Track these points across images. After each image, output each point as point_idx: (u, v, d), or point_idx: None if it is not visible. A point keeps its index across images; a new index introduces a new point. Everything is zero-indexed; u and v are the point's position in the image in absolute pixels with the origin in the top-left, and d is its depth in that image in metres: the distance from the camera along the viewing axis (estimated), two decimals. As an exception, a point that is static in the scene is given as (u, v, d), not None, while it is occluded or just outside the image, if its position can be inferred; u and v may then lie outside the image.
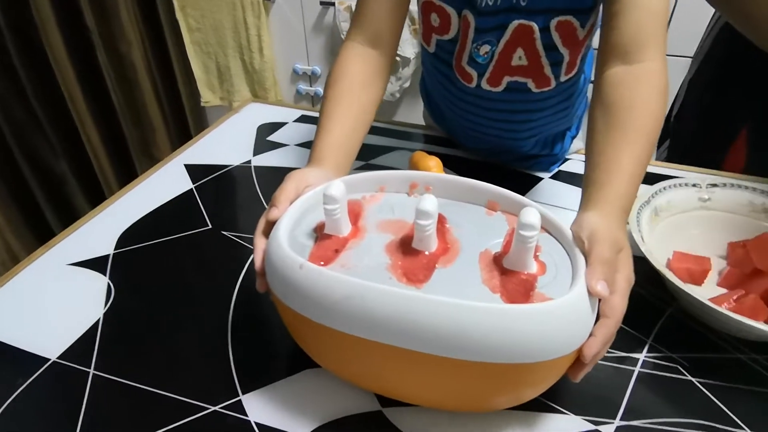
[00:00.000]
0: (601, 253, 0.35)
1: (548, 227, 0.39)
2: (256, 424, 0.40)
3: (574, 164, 0.71)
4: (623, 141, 0.42)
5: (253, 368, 0.44)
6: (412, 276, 0.35)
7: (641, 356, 0.46)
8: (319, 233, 0.39)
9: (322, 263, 0.36)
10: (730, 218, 0.55)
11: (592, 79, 0.52)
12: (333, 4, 1.47)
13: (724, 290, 0.50)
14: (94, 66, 1.46)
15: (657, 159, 0.95)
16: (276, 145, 0.76)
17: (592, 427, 0.40)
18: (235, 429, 0.40)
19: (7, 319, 0.49)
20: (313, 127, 0.80)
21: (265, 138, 0.78)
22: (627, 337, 0.47)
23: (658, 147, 0.95)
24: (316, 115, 0.83)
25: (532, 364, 0.33)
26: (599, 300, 0.35)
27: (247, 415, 0.41)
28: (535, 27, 0.52)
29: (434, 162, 0.57)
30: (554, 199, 0.65)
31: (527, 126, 0.63)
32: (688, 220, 0.55)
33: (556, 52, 0.55)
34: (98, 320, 0.49)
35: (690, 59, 0.88)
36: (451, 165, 0.69)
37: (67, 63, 1.40)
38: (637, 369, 0.44)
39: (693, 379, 0.44)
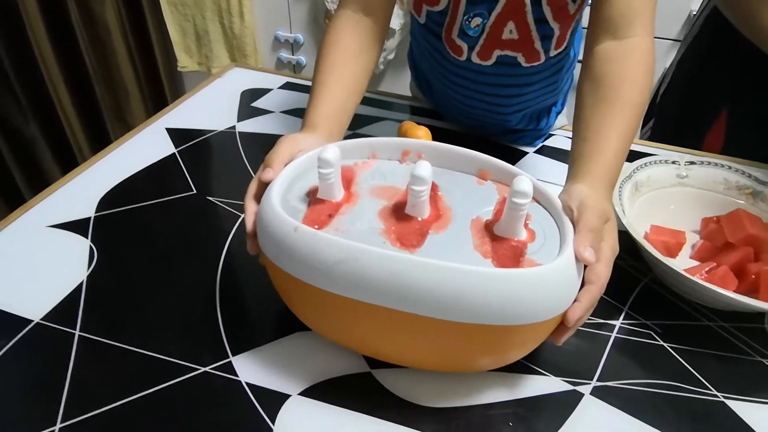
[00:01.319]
0: (589, 221, 0.36)
1: (537, 196, 0.40)
2: (247, 384, 0.40)
3: (559, 139, 0.72)
4: (611, 116, 0.43)
5: (242, 330, 0.45)
6: (405, 241, 0.36)
7: (617, 323, 0.48)
8: (312, 198, 0.39)
9: (316, 227, 0.37)
10: (706, 195, 0.57)
11: (581, 57, 0.53)
12: (317, -32, 1.43)
13: (696, 263, 0.53)
14: (66, 25, 1.39)
15: (641, 138, 0.97)
16: (261, 112, 0.75)
17: (570, 387, 0.42)
18: (225, 389, 0.40)
19: (-16, 280, 0.48)
20: (298, 94, 0.79)
21: (249, 104, 0.76)
22: (605, 305, 0.49)
23: (642, 127, 0.97)
24: (301, 82, 0.83)
25: (519, 327, 0.34)
26: (584, 267, 0.36)
27: (237, 376, 0.41)
28: (527, 0, 0.52)
29: (423, 132, 0.57)
30: (538, 174, 0.66)
31: (515, 100, 0.64)
32: (666, 196, 0.57)
33: (547, 26, 0.55)
34: (82, 282, 0.48)
35: (671, 42, 0.89)
36: (437, 137, 0.69)
37: (39, 21, 1.32)
38: (614, 335, 0.47)
39: (665, 344, 0.46)
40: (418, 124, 0.64)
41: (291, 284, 0.37)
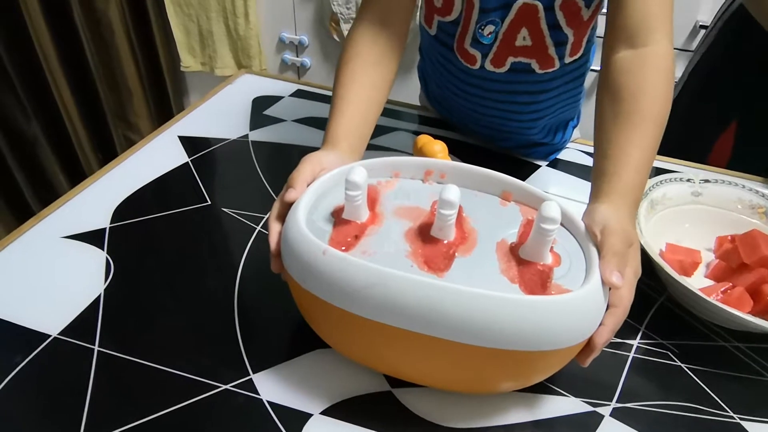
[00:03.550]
0: (613, 245, 0.36)
1: (563, 220, 0.40)
2: (269, 402, 0.40)
3: (571, 153, 0.72)
4: (632, 131, 0.43)
5: (262, 346, 0.45)
6: (433, 264, 0.36)
7: (635, 342, 0.48)
8: (337, 218, 0.39)
9: (343, 249, 0.37)
10: (720, 213, 0.58)
11: (593, 66, 0.53)
12: (324, -29, 1.42)
13: (711, 282, 0.53)
14: (69, 24, 1.38)
15: None
16: (273, 120, 0.74)
17: (590, 408, 0.42)
18: (247, 407, 0.40)
19: (0, 293, 0.48)
20: (310, 102, 0.79)
21: (261, 112, 0.76)
22: (623, 325, 0.49)
23: None
24: (312, 90, 0.82)
25: (547, 352, 0.34)
26: (609, 290, 0.37)
27: (258, 394, 0.41)
28: (540, 6, 0.52)
29: (440, 146, 0.57)
30: (550, 188, 0.66)
31: (531, 108, 0.64)
32: (680, 214, 0.57)
33: (561, 32, 0.55)
34: (99, 296, 0.48)
35: (677, 51, 0.90)
36: (451, 149, 0.69)
37: (41, 19, 1.31)
38: (632, 355, 0.47)
39: (682, 365, 0.46)
40: (433, 135, 0.64)
41: (316, 305, 0.37)
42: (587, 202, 0.43)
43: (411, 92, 0.81)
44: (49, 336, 0.44)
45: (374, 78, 0.51)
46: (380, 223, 0.39)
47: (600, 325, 0.36)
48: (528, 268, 0.36)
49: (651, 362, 0.46)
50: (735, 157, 0.83)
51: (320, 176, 0.42)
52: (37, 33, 1.30)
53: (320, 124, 0.74)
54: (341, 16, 1.49)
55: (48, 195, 1.39)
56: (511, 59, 0.57)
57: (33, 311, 0.46)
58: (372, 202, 0.41)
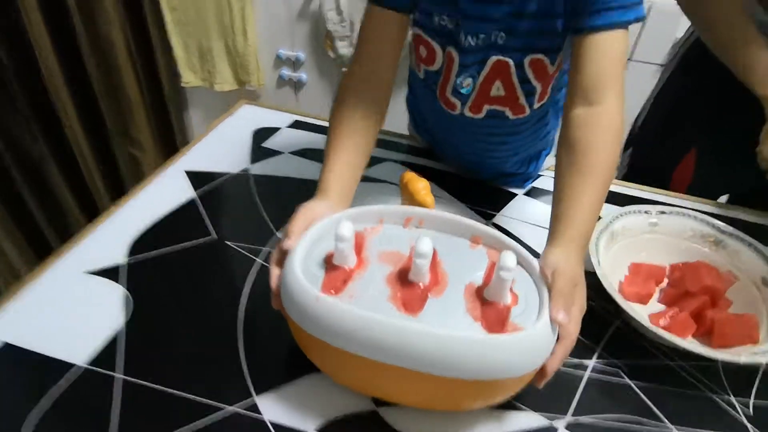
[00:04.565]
0: (561, 288, 0.43)
1: (521, 261, 0.47)
2: (271, 423, 0.47)
3: (546, 180, 0.79)
4: (582, 182, 0.49)
5: (263, 371, 0.51)
6: (409, 306, 0.42)
7: (591, 362, 0.55)
8: (328, 263, 0.46)
9: (333, 292, 0.43)
10: (674, 242, 0.64)
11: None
12: (318, -7, 1.48)
13: (663, 306, 0.60)
14: (73, 44, 1.44)
15: (621, 163, 1.04)
16: (271, 153, 0.81)
17: (548, 422, 0.49)
18: (252, 427, 0.47)
19: (29, 326, 0.54)
20: (306, 133, 0.86)
21: (260, 144, 0.82)
22: (580, 346, 0.56)
23: (624, 152, 1.04)
24: (307, 120, 0.89)
25: (506, 380, 0.41)
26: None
27: (261, 414, 0.48)
28: (511, 63, 0.59)
29: (423, 184, 0.63)
30: (527, 216, 0.72)
31: (505, 147, 0.71)
32: (639, 243, 0.64)
33: (530, 84, 0.61)
34: (119, 327, 0.54)
35: (657, 66, 0.96)
36: (435, 178, 0.76)
37: (47, 40, 1.37)
38: (587, 373, 0.54)
39: (630, 382, 0.53)
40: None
41: (310, 341, 0.43)
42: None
43: (400, 121, 0.87)
44: (74, 365, 0.51)
45: (361, 131, 0.58)
46: (365, 268, 0.46)
47: (551, 354, 0.43)
48: (490, 308, 0.43)
49: (604, 380, 0.53)
50: (694, 182, 0.90)
51: (313, 225, 0.48)
52: (44, 57, 1.35)
53: (315, 155, 0.80)
54: (336, 33, 1.55)
55: (56, 215, 1.45)
56: (486, 107, 0.64)
57: (59, 343, 0.52)
58: (359, 247, 0.48)
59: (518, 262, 0.46)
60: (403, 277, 0.44)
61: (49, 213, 1.44)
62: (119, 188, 1.71)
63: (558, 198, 0.50)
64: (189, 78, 1.78)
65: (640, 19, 0.52)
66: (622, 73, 0.53)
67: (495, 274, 0.42)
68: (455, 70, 0.62)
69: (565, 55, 0.60)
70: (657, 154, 0.96)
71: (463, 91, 0.63)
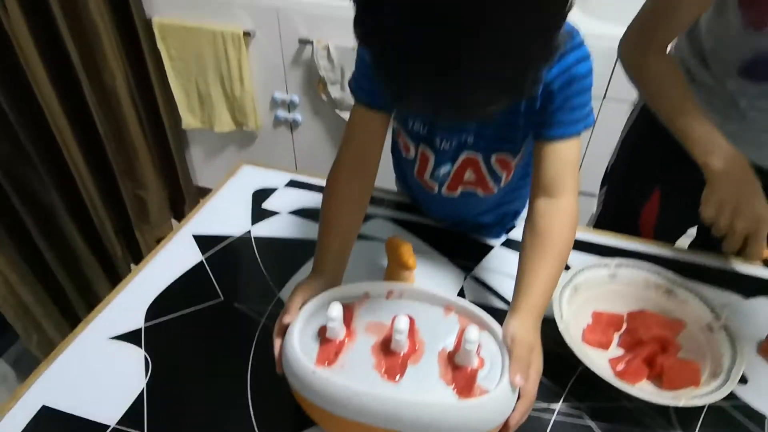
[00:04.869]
0: (518, 354, 0.51)
1: (488, 329, 0.55)
2: (277, 474, 0.54)
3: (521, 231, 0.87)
4: (541, 262, 0.58)
5: (271, 424, 0.59)
6: (391, 373, 0.50)
7: (557, 406, 0.62)
8: (322, 336, 0.54)
9: (326, 363, 0.51)
10: (631, 291, 0.72)
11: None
12: (311, 42, 1.58)
13: (622, 351, 0.67)
14: (80, 99, 1.52)
15: (598, 201, 1.12)
16: (270, 213, 0.89)
17: (518, 464, 0.56)
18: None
19: (63, 390, 0.62)
20: (301, 192, 0.94)
21: (260, 206, 0.90)
22: (548, 391, 0.63)
23: (600, 189, 1.12)
24: (303, 179, 0.97)
25: (474, 435, 0.48)
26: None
27: (269, 466, 0.55)
28: (480, 158, 0.69)
29: (406, 247, 0.71)
30: (504, 267, 0.80)
31: (478, 214, 0.81)
32: (600, 294, 0.72)
33: (496, 173, 0.71)
34: (143, 389, 0.62)
35: (631, 102, 1.03)
36: (418, 231, 0.84)
37: (54, 98, 1.45)
38: (553, 417, 0.61)
39: (591, 423, 0.60)
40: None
41: (308, 404, 0.51)
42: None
43: (390, 177, 0.94)
44: (108, 426, 0.58)
45: (350, 212, 0.66)
46: (354, 339, 0.54)
47: (513, 410, 0.50)
48: (460, 372, 0.51)
49: (569, 422, 0.61)
50: (661, 218, 0.98)
51: (309, 302, 0.56)
52: (50, 109, 1.42)
53: (309, 214, 0.89)
54: (327, 79, 1.64)
55: (69, 263, 1.53)
56: (461, 188, 0.74)
57: (91, 404, 0.60)
58: (348, 318, 0.55)
59: (485, 329, 0.54)
60: (386, 347, 0.52)
61: (64, 262, 1.51)
62: (128, 231, 1.79)
63: (520, 274, 0.59)
64: (189, 121, 1.88)
65: (589, 126, 0.62)
66: (575, 172, 0.62)
67: (462, 343, 0.50)
68: (431, 164, 0.71)
69: (525, 151, 0.69)
70: (626, 194, 1.05)
71: (440, 178, 0.73)
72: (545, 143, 0.62)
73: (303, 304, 0.56)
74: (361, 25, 0.45)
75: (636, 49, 0.78)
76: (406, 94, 0.48)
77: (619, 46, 0.81)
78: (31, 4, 1.32)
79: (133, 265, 1.88)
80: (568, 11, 0.44)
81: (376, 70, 0.50)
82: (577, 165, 0.62)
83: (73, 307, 1.58)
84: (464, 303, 0.56)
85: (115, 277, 1.72)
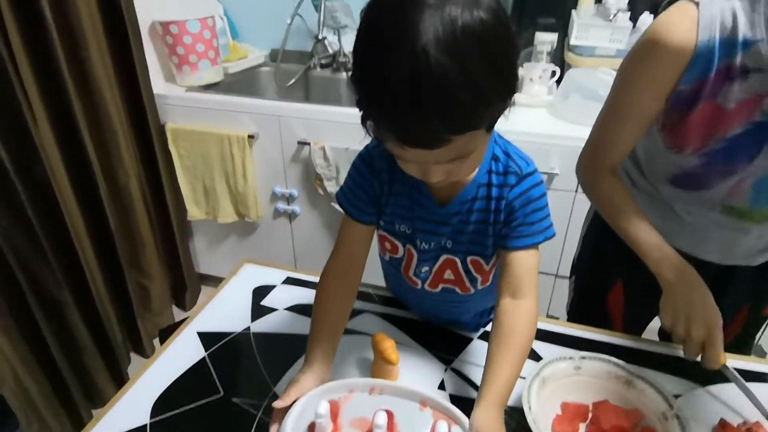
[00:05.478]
0: (484, 442, 0.58)
1: (457, 422, 0.62)
2: None
3: (495, 324, 0.95)
4: (506, 356, 0.66)
5: None
6: (372, 465, 0.57)
7: (530, 495, 0.67)
8: (312, 431, 0.60)
9: (315, 457, 0.58)
10: (595, 382, 0.79)
11: None
12: (309, 143, 1.74)
13: (589, 439, 0.73)
14: (94, 196, 1.65)
15: (569, 289, 1.21)
16: (268, 310, 0.97)
17: None
18: None
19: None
20: (297, 289, 1.03)
21: (259, 303, 0.99)
22: (521, 482, 0.69)
23: (569, 278, 1.21)
24: (299, 276, 1.06)
25: None
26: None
27: None
28: (458, 260, 0.79)
29: (390, 344, 0.79)
30: (480, 359, 0.86)
31: (459, 309, 0.90)
32: (567, 385, 0.79)
33: (472, 275, 0.81)
34: (147, 485, 0.67)
35: None
36: (403, 326, 0.92)
37: (72, 196, 1.58)
38: (526, 506, 0.66)
39: None
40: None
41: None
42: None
43: (378, 273, 1.03)
44: None
45: (338, 310, 0.76)
46: (340, 434, 0.60)
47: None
48: (433, 464, 0.57)
49: None
50: (627, 307, 1.06)
51: (300, 399, 0.63)
52: (68, 209, 1.54)
53: (304, 310, 0.97)
54: (324, 175, 1.79)
55: (72, 353, 1.58)
56: (441, 285, 0.83)
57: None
58: (335, 413, 0.63)
59: (455, 422, 0.62)
60: (368, 441, 0.59)
61: (68, 352, 1.57)
62: (130, 320, 1.85)
63: (486, 365, 0.67)
64: (194, 213, 2.01)
65: (549, 238, 0.73)
66: (536, 276, 0.73)
67: (436, 436, 0.57)
68: (415, 261, 0.82)
69: (497, 257, 0.80)
70: (592, 285, 1.14)
71: (422, 275, 0.83)
72: (509, 252, 0.73)
73: (296, 397, 0.64)
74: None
75: (588, 171, 0.91)
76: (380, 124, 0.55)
77: (576, 169, 0.93)
78: (60, 116, 1.49)
79: (133, 354, 1.92)
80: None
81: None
82: (536, 270, 0.72)
83: (72, 395, 1.61)
84: (437, 398, 0.63)
85: (114, 365, 1.76)
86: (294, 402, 0.63)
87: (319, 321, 0.74)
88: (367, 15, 0.53)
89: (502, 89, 0.53)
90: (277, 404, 0.63)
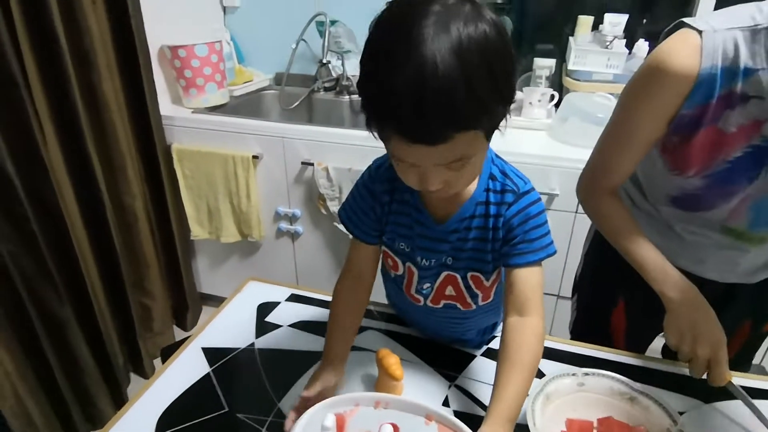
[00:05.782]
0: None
1: (464, 437, 0.62)
2: None
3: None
4: (513, 374, 0.67)
5: None
6: (378, 480, 0.57)
7: None
8: (319, 443, 0.61)
9: (322, 470, 0.58)
10: (599, 399, 0.79)
11: None
12: (312, 164, 1.77)
13: (595, 456, 0.73)
14: (101, 217, 1.67)
15: (571, 308, 1.21)
16: (272, 326, 0.98)
17: None
18: None
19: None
20: (300, 305, 1.04)
21: (263, 319, 1.00)
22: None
23: (572, 297, 1.21)
24: (303, 293, 1.07)
25: None
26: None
27: None
28: (458, 276, 0.80)
29: (394, 359, 0.80)
30: (484, 376, 0.88)
31: (461, 326, 0.90)
32: (571, 401, 0.79)
33: (473, 291, 0.82)
34: (150, 500, 0.67)
35: None
36: (407, 343, 0.93)
37: (78, 216, 1.60)
38: None
39: None
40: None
41: None
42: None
43: (381, 293, 1.05)
44: None
45: (351, 319, 0.81)
46: (346, 447, 0.61)
47: None
48: (439, 478, 0.57)
49: None
50: (629, 325, 1.06)
51: (307, 413, 0.64)
52: (76, 234, 1.56)
53: (308, 327, 0.98)
54: (327, 195, 1.81)
55: (73, 373, 1.57)
56: (443, 301, 0.84)
57: None
58: (341, 427, 0.63)
59: (461, 436, 0.62)
60: (374, 455, 0.59)
61: (68, 372, 1.56)
62: (131, 340, 1.85)
63: (495, 383, 0.68)
64: (198, 232, 2.02)
65: (551, 255, 0.74)
66: (541, 294, 0.74)
67: (441, 451, 0.57)
68: (416, 279, 0.83)
69: (498, 278, 0.81)
70: (594, 303, 1.14)
71: (423, 291, 0.84)
72: (513, 270, 0.74)
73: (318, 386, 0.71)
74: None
75: (588, 192, 0.92)
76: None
77: (576, 190, 0.95)
78: (68, 136, 1.52)
79: (132, 374, 1.90)
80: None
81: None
82: (541, 287, 0.74)
83: (71, 414, 1.59)
84: (443, 413, 0.64)
85: (114, 385, 1.75)
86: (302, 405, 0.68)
87: (335, 325, 0.79)
88: (377, 25, 0.57)
89: (500, 96, 0.57)
90: (305, 394, 0.70)
